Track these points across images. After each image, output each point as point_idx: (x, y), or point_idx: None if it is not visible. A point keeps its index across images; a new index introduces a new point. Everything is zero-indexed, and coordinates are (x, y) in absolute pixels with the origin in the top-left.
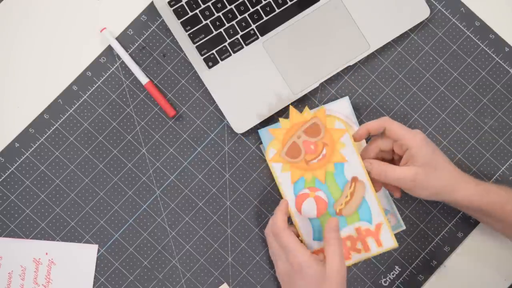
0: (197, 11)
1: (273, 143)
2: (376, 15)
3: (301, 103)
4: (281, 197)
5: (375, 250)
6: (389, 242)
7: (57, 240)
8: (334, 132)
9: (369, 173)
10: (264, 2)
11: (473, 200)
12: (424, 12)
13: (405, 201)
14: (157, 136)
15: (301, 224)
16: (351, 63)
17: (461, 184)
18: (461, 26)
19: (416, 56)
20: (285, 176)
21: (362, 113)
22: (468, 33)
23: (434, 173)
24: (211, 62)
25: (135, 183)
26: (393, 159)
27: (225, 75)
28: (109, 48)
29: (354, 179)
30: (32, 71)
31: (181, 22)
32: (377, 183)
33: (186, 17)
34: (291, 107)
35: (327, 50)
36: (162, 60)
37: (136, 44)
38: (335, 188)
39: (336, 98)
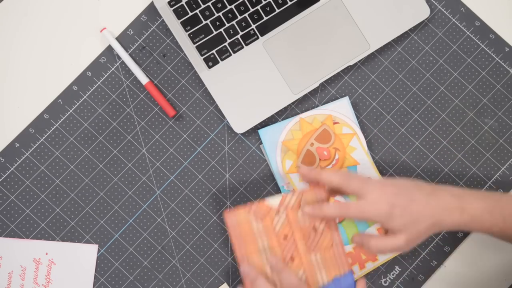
0: (197, 11)
1: (288, 154)
2: (376, 15)
3: (301, 103)
4: None
5: None
6: None
7: (57, 240)
8: (343, 137)
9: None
10: (264, 2)
11: (458, 227)
12: (424, 12)
13: None
14: (157, 136)
15: None
16: (351, 63)
17: (441, 220)
18: (461, 26)
19: (416, 56)
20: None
21: (362, 113)
22: (468, 33)
23: (416, 233)
24: (211, 62)
25: (135, 183)
26: None
27: (225, 75)
28: (109, 48)
29: None
30: (32, 71)
31: (181, 22)
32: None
33: (186, 17)
34: (301, 119)
35: (327, 50)
36: (162, 60)
37: (136, 44)
38: None
39: (336, 98)
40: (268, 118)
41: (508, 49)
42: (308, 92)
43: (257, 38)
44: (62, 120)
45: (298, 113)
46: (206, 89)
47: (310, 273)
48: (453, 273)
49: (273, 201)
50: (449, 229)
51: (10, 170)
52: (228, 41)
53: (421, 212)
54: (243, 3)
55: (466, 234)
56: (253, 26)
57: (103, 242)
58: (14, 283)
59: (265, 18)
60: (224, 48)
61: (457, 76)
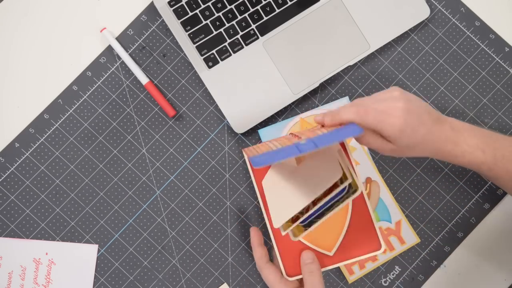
0: (197, 11)
1: None
2: (376, 15)
3: (301, 103)
4: None
5: (399, 248)
6: (411, 239)
7: (57, 240)
8: None
9: (323, 125)
10: (264, 2)
11: (457, 161)
12: (424, 12)
13: (405, 201)
14: (157, 136)
15: None
16: (351, 63)
17: (440, 150)
18: (461, 26)
19: (416, 56)
20: None
21: None
22: (468, 33)
23: (411, 151)
24: (211, 62)
25: (135, 183)
26: None
27: (225, 75)
28: (109, 48)
29: (368, 180)
30: (32, 71)
31: (181, 22)
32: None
33: (186, 17)
34: (301, 119)
35: (327, 50)
36: (162, 60)
37: (136, 44)
38: None
39: (336, 98)
40: (268, 118)
41: (508, 49)
42: (308, 92)
43: (257, 38)
44: (62, 120)
45: (298, 113)
46: (206, 89)
47: None
48: (453, 273)
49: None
50: (440, 158)
51: (10, 170)
52: (228, 41)
53: (425, 137)
54: (243, 3)
55: (466, 234)
56: (253, 26)
57: (103, 242)
58: (14, 283)
59: (265, 18)
60: (224, 48)
61: (457, 76)
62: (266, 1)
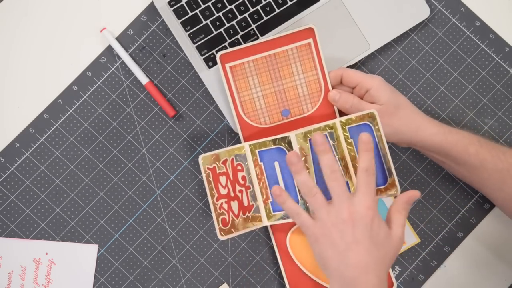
0: (197, 11)
1: None
2: (376, 15)
3: None
4: None
5: None
6: (411, 239)
7: (57, 240)
8: None
9: (335, 102)
10: (264, 2)
11: (436, 139)
12: (424, 12)
13: None
14: (157, 136)
15: None
16: (351, 63)
17: (424, 123)
18: (461, 26)
19: (416, 56)
20: None
21: None
22: (468, 33)
23: (396, 111)
24: (211, 62)
25: (135, 183)
26: None
27: None
28: (109, 48)
29: None
30: (32, 71)
31: (181, 22)
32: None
33: (186, 17)
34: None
35: (327, 50)
36: (162, 60)
37: (136, 44)
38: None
39: None
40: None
41: (508, 49)
42: None
43: (257, 38)
44: (62, 120)
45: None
46: (206, 89)
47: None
48: (453, 273)
49: None
50: (424, 139)
51: (10, 170)
52: (228, 41)
53: (406, 104)
54: (243, 3)
55: (466, 234)
56: (253, 26)
57: (103, 242)
58: (14, 283)
59: (265, 18)
60: (224, 48)
61: (457, 76)
62: (266, 1)
